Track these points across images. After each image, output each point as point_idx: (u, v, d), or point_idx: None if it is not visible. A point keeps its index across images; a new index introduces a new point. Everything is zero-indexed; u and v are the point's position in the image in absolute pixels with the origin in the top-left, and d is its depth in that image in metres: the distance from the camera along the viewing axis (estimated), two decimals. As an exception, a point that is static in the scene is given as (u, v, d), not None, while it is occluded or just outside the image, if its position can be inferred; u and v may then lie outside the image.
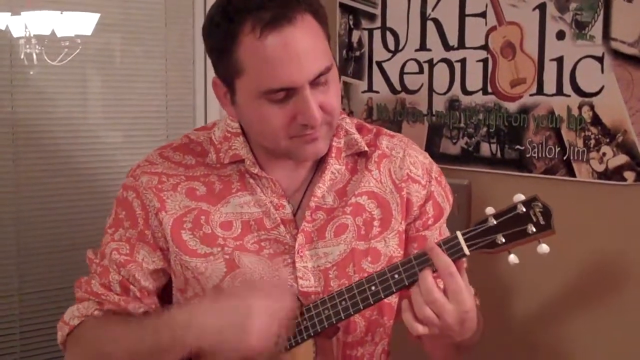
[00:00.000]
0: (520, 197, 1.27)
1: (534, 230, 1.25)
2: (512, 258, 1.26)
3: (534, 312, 2.15)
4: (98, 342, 1.40)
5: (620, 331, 1.95)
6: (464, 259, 1.28)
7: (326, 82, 1.31)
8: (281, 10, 1.26)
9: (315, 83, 1.29)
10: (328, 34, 1.35)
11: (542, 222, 1.25)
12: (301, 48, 1.26)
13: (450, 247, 1.27)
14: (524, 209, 1.25)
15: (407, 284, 1.29)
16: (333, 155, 1.44)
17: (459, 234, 1.27)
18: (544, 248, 1.24)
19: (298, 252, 1.41)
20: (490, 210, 1.27)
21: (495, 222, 1.26)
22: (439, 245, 1.26)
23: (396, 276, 1.30)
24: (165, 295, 1.50)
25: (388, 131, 1.55)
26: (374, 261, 1.45)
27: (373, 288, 1.31)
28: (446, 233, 1.52)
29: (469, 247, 1.27)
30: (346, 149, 1.48)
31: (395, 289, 1.30)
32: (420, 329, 1.26)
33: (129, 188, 1.46)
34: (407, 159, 1.49)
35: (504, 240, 1.26)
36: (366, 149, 1.48)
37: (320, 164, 1.45)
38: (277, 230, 1.42)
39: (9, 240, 2.55)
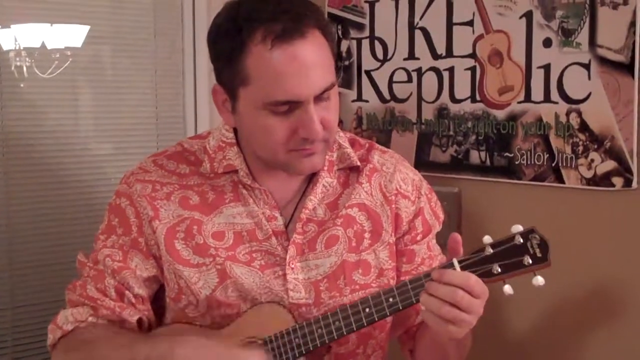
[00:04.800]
0: (518, 227, 1.26)
1: (530, 262, 1.25)
2: (507, 288, 1.26)
3: (523, 317, 2.16)
4: (88, 355, 1.40)
5: (609, 333, 1.97)
6: None
7: (328, 97, 1.33)
8: (293, 24, 1.26)
9: (319, 98, 1.30)
10: (334, 50, 1.36)
11: (538, 255, 1.25)
12: (310, 62, 1.28)
13: None
14: (521, 240, 1.25)
15: (401, 307, 1.30)
16: (325, 168, 1.45)
17: (455, 261, 1.27)
18: (539, 280, 1.24)
19: (289, 264, 1.42)
20: (487, 239, 1.27)
21: (492, 252, 1.26)
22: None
23: (390, 299, 1.30)
24: (157, 303, 1.50)
25: (380, 146, 1.56)
26: (364, 273, 1.45)
27: (367, 310, 1.31)
28: (435, 248, 1.53)
29: None
30: (338, 162, 1.48)
31: (389, 312, 1.31)
32: (453, 330, 1.25)
33: (123, 195, 1.46)
34: (397, 174, 1.49)
35: (499, 270, 1.25)
36: (358, 163, 1.48)
37: (312, 176, 1.46)
38: (269, 241, 1.42)
39: (0, 253, 2.54)
